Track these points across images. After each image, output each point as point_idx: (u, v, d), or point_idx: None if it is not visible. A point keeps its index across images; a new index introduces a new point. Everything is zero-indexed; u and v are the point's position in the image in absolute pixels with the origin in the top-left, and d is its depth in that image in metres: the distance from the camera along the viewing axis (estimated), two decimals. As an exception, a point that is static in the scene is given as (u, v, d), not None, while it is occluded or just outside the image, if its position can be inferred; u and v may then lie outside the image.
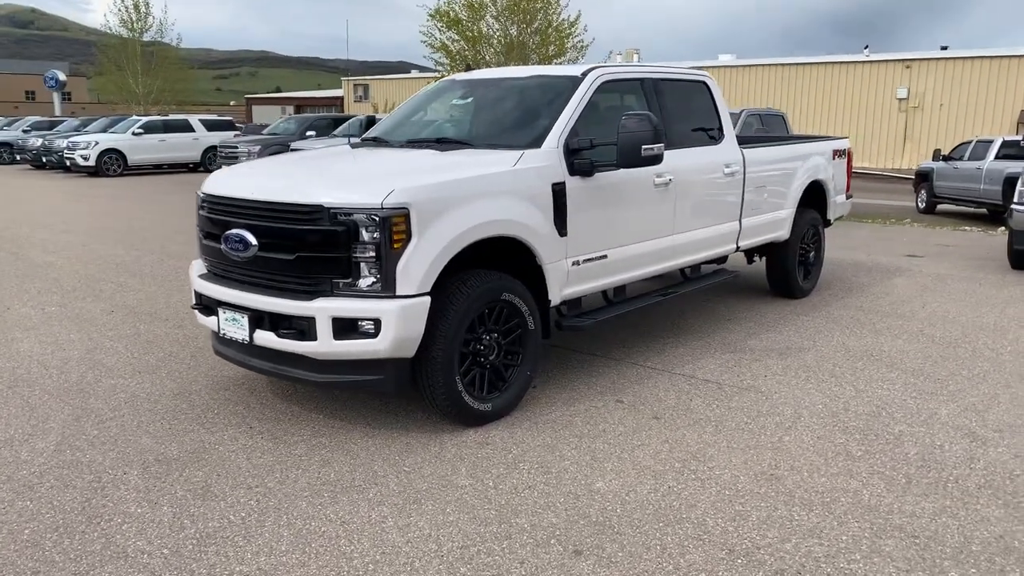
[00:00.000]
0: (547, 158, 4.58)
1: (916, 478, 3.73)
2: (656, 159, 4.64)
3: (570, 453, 4.02)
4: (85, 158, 23.38)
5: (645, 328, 6.35)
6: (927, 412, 4.57)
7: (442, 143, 4.98)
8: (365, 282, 3.88)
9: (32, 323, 6.59)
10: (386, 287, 3.86)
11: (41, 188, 20.04)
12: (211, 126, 25.95)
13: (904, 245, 10.94)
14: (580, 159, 4.67)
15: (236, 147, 19.41)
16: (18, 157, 27.88)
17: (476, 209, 4.13)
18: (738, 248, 6.41)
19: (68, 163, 23.77)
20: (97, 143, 23.70)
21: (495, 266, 4.44)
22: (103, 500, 3.54)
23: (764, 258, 7.36)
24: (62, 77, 49.37)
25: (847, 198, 8.17)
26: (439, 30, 23.18)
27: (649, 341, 6.01)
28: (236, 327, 4.22)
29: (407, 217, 3.85)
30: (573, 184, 4.67)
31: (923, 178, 16.68)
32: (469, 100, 5.62)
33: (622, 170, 4.81)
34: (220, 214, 4.35)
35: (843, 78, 32.88)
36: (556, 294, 4.69)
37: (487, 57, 23.05)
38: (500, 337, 4.39)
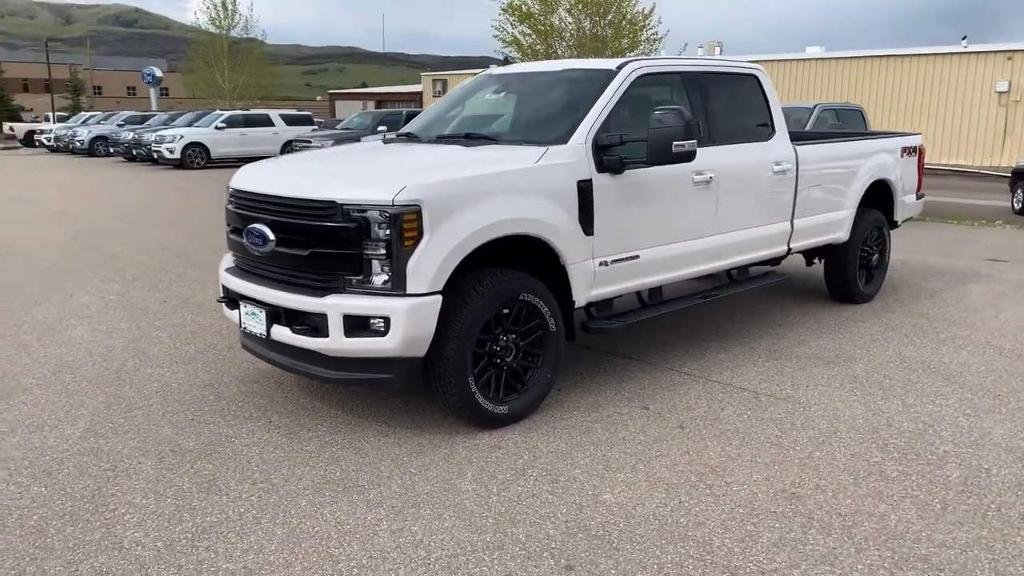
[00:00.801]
0: (573, 154, 4.44)
1: (953, 504, 3.44)
2: (688, 156, 4.44)
3: (583, 461, 3.88)
4: (171, 151, 24.30)
5: (687, 331, 6.12)
6: (979, 432, 4.23)
7: (470, 139, 4.89)
8: (376, 280, 3.82)
9: (90, 311, 6.82)
10: (397, 285, 3.80)
11: (127, 180, 20.94)
12: (290, 121, 26.60)
13: (988, 248, 10.27)
14: (609, 155, 4.51)
15: (310, 141, 19.80)
16: (112, 150, 29.21)
17: (492, 206, 4.03)
18: (790, 250, 6.10)
19: (155, 156, 24.76)
20: (182, 137, 24.61)
21: (516, 265, 4.34)
22: (113, 489, 3.60)
23: (823, 261, 7.00)
24: (158, 73, 51.50)
25: (918, 198, 7.70)
26: (511, 24, 23.17)
27: (690, 345, 5.78)
28: (255, 321, 4.24)
29: (419, 214, 3.78)
30: (601, 181, 4.51)
31: (1020, 177, 15.65)
32: (502, 95, 5.52)
33: (655, 167, 4.62)
34: (244, 208, 4.38)
35: (938, 71, 31.25)
36: (581, 295, 4.55)
37: (559, 51, 22.86)
38: (519, 338, 4.28)
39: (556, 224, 4.29)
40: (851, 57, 34.67)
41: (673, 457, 3.92)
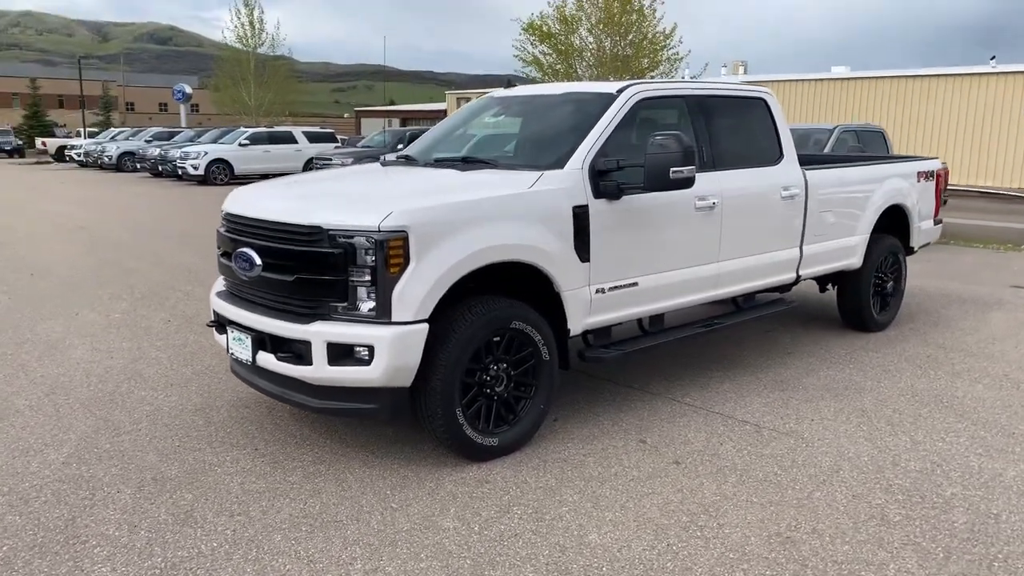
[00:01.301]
0: (569, 179, 4.34)
1: (957, 553, 3.26)
2: (686, 182, 4.31)
3: (571, 498, 3.74)
4: (195, 167, 24.55)
5: (692, 359, 5.97)
6: (990, 473, 4.04)
7: (467, 162, 4.81)
8: (361, 307, 3.74)
9: (93, 330, 6.82)
10: (381, 313, 3.71)
11: (150, 195, 21.16)
12: (313, 138, 26.79)
13: (1014, 275, 9.99)
14: (606, 181, 4.40)
15: (331, 159, 19.90)
16: (139, 165, 29.59)
17: (483, 233, 3.93)
18: (799, 277, 5.94)
19: (180, 172, 25.03)
20: (206, 153, 24.86)
21: (509, 292, 4.24)
22: (87, 519, 3.52)
23: (835, 287, 6.82)
24: (188, 90, 52.28)
25: (936, 224, 7.50)
26: (532, 44, 23.19)
27: (694, 374, 5.63)
28: (242, 347, 4.16)
29: (406, 240, 3.69)
30: (598, 207, 4.40)
31: (1047, 200, 15.29)
32: (502, 118, 5.44)
33: (655, 193, 4.50)
34: (233, 232, 4.32)
35: (966, 91, 30.79)
36: (577, 323, 4.43)
37: (579, 70, 22.84)
38: (510, 368, 4.17)
39: (550, 251, 4.19)
40: (878, 77, 34.33)
41: (666, 495, 3.77)
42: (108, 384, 5.38)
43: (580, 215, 4.32)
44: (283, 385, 4.10)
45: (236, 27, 38.57)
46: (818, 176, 5.90)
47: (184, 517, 3.55)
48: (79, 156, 35.26)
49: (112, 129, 41.16)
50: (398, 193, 4.24)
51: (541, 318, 4.25)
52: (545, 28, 22.93)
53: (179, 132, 33.27)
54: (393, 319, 3.71)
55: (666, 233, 4.81)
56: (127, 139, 34.11)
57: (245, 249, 4.11)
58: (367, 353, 3.72)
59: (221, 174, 24.73)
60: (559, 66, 22.70)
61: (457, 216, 3.88)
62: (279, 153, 25.77)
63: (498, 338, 4.08)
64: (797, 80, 35.64)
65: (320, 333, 3.77)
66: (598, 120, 4.60)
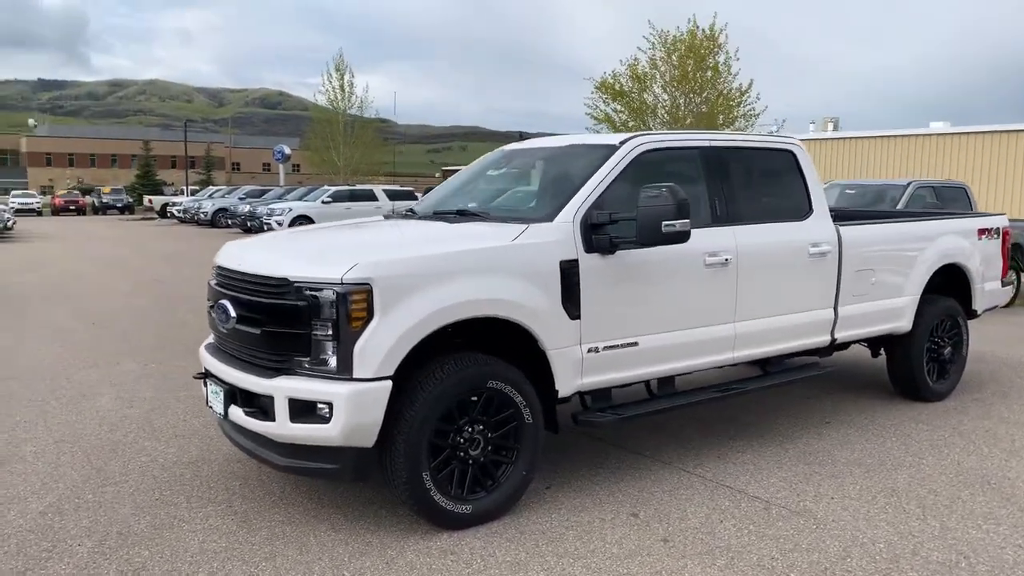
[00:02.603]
0: (557, 233, 4.14)
1: (963, 664, 2.81)
2: (679, 236, 4.04)
3: None
4: (280, 223, 25.42)
5: (716, 428, 5.57)
6: (1026, 568, 3.52)
7: (462, 215, 4.68)
8: (323, 362, 3.61)
9: (126, 379, 6.94)
10: (342, 368, 3.57)
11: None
12: (393, 195, 27.43)
13: (1109, 342, 9.10)
14: (599, 235, 4.19)
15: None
16: (229, 222, 30.96)
17: (456, 287, 3.76)
18: (834, 340, 5.49)
19: (266, 228, 25.97)
20: (291, 210, 25.79)
21: (496, 350, 4.04)
22: (38, 573, 3.46)
23: (886, 352, 6.31)
24: (287, 151, 54.75)
25: (1005, 285, 6.89)
26: (604, 102, 23.24)
27: (714, 443, 5.23)
28: (217, 401, 4.10)
29: (369, 293, 3.56)
30: (591, 263, 4.18)
31: None
32: (503, 170, 5.31)
33: (656, 248, 4.25)
34: (218, 284, 4.30)
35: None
36: (566, 384, 4.17)
37: (653, 127, 22.68)
38: (488, 430, 3.94)
39: (533, 307, 3.98)
40: (979, 132, 32.79)
41: (641, 577, 3.43)
42: (117, 433, 5.42)
43: (569, 270, 4.11)
44: (255, 441, 3.99)
45: (327, 90, 40.35)
46: (855, 232, 5.50)
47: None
48: (179, 212, 37.22)
49: (210, 187, 43.38)
50: (371, 245, 4.14)
51: (523, 378, 4.02)
52: (617, 86, 22.98)
53: (269, 190, 34.72)
54: (354, 375, 3.56)
55: (670, 290, 4.53)
56: (222, 196, 35.86)
57: (223, 301, 4.07)
58: (328, 410, 3.57)
59: (303, 230, 25.49)
60: (632, 123, 22.63)
61: (427, 269, 3.73)
62: (360, 210, 26.37)
63: (474, 398, 3.87)
64: (893, 136, 34.43)
65: (282, 388, 3.65)
66: (595, 172, 4.40)
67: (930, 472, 4.72)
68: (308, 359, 3.65)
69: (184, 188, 50.58)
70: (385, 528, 3.91)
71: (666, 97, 22.94)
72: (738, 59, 22.55)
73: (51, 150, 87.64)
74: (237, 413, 3.91)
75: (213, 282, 4.44)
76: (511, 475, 4.03)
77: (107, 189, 52.53)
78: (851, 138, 35.46)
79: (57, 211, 48.90)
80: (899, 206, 11.25)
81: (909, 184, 11.56)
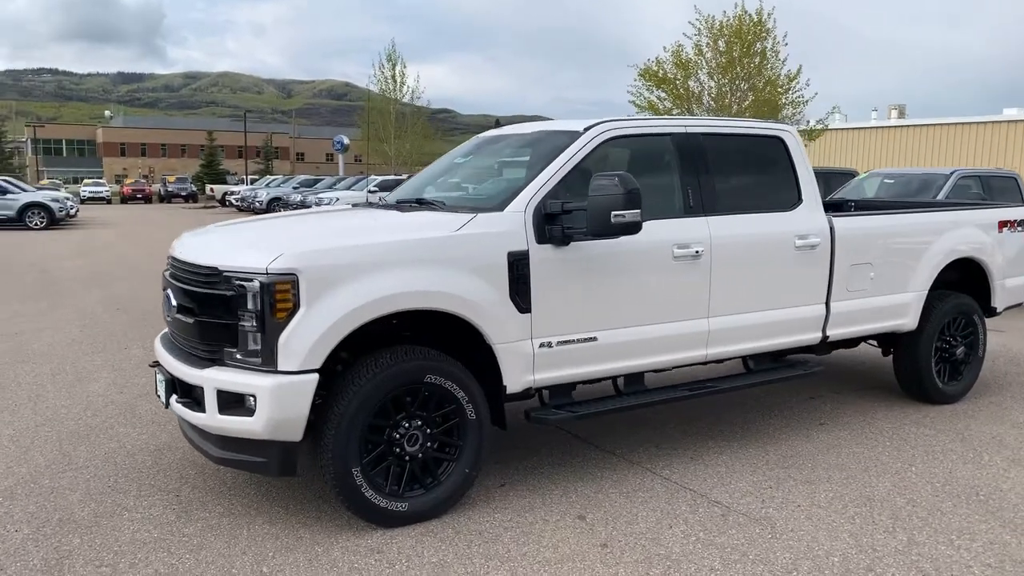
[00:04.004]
0: (506, 223, 3.98)
1: None
2: (630, 228, 3.84)
3: (456, 578, 3.32)
4: (327, 212, 25.77)
5: (701, 428, 5.33)
6: (988, 591, 3.24)
7: (421, 203, 4.56)
8: (249, 353, 3.54)
9: (127, 365, 7.04)
10: (266, 361, 3.49)
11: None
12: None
13: None
14: (553, 226, 4.01)
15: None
16: (282, 210, 31.50)
17: (389, 278, 3.64)
18: (826, 337, 5.19)
19: (314, 216, 26.35)
20: (338, 199, 26.04)
21: (442, 344, 3.93)
22: (-34, 557, 3.49)
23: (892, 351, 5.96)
24: (346, 141, 55.47)
25: (1031, 281, 6.43)
26: (648, 89, 22.73)
27: (692, 444, 5.00)
28: (161, 389, 4.07)
29: (294, 284, 3.47)
30: (543, 254, 4.01)
31: None
32: (471, 158, 5.15)
33: (620, 239, 4.05)
34: (168, 272, 4.27)
35: None
36: (515, 380, 4.02)
37: (697, 115, 22.09)
38: (427, 426, 3.82)
39: (477, 300, 3.83)
40: (1051, 119, 31.10)
41: (566, 584, 3.27)
42: (97, 419, 5.48)
43: (517, 262, 3.94)
44: (196, 431, 3.95)
45: (379, 80, 40.59)
46: (848, 224, 5.18)
47: (54, 564, 3.43)
48: (236, 201, 38.03)
49: (268, 177, 44.22)
50: (306, 235, 4.05)
51: (466, 372, 3.89)
52: (660, 73, 22.46)
53: (322, 180, 35.18)
54: (279, 368, 3.48)
55: (634, 284, 4.32)
56: (277, 186, 36.49)
57: (167, 290, 4.05)
58: (253, 402, 3.50)
59: (350, 219, 25.78)
60: (675, 111, 22.10)
61: (357, 260, 3.62)
62: (405, 199, 26.57)
63: (412, 393, 3.76)
64: (961, 123, 32.90)
65: (211, 379, 3.60)
66: (552, 161, 4.22)
67: (916, 480, 4.42)
68: (235, 350, 3.59)
69: (244, 177, 51.70)
70: (322, 524, 3.83)
71: (712, 84, 22.36)
72: (786, 44, 21.83)
73: (125, 140, 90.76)
74: (175, 403, 3.87)
75: (166, 271, 4.41)
76: (453, 473, 3.90)
77: (172, 178, 54.11)
78: (915, 126, 34.10)
79: (125, 199, 50.59)
80: (939, 197, 10.67)
81: (952, 173, 10.95)
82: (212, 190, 48.35)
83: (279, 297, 3.46)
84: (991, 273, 6.00)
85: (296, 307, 3.48)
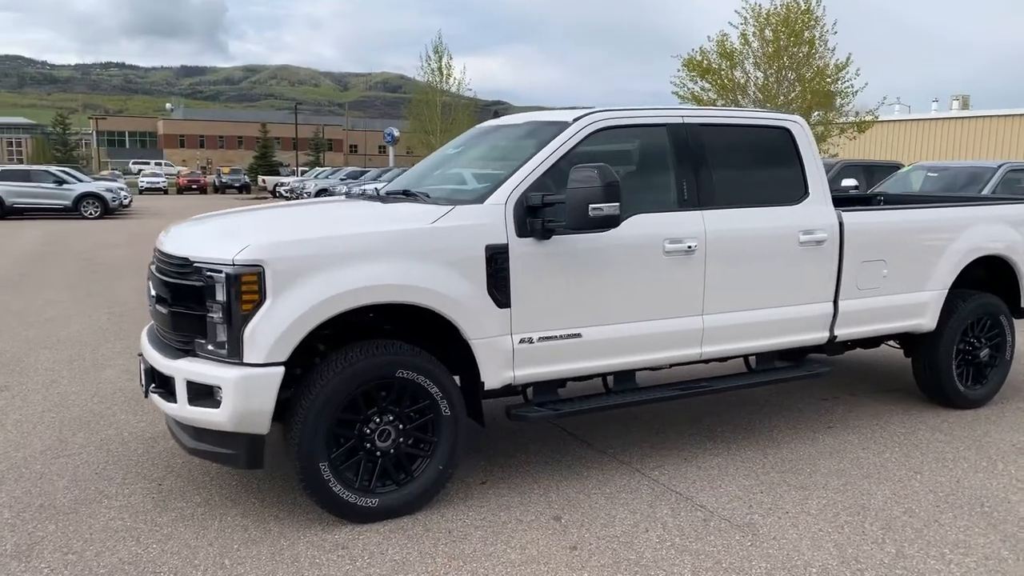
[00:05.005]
0: (485, 216, 3.89)
1: None
2: (608, 221, 3.71)
3: (415, 577, 3.26)
4: (370, 204, 25.98)
5: (700, 429, 5.17)
6: (972, 611, 3.04)
7: (407, 195, 4.50)
8: (216, 345, 3.52)
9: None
10: (233, 352, 3.47)
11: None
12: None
13: None
14: (534, 219, 3.91)
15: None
16: (327, 201, 31.90)
17: (359, 270, 3.59)
18: (834, 336, 4.97)
19: (357, 208, 26.59)
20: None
21: (422, 338, 3.87)
22: (-57, 541, 3.55)
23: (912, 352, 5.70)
24: (396, 133, 55.98)
25: (1069, 280, 6.07)
26: (692, 80, 22.29)
27: (688, 444, 4.85)
28: (142, 379, 4.09)
29: (260, 275, 3.44)
30: (523, 248, 3.91)
31: None
32: (461, 149, 5.06)
33: (605, 232, 3.93)
34: (153, 264, 4.29)
35: None
36: (493, 376, 3.93)
37: (743, 106, 21.59)
38: (399, 421, 3.76)
39: (451, 294, 3.75)
40: None
41: (525, 588, 3.18)
42: (102, 405, 5.57)
43: (496, 255, 3.85)
44: (174, 422, 3.96)
45: (426, 72, 40.65)
46: (860, 219, 4.95)
47: (25, 550, 3.48)
48: (286, 192, 38.65)
49: (317, 168, 44.82)
50: (277, 227, 4.01)
51: (442, 368, 3.82)
52: (705, 63, 21.99)
53: (368, 172, 35.49)
54: (244, 359, 3.46)
55: (621, 279, 4.18)
56: (326, 177, 36.94)
57: (150, 280, 4.06)
58: (221, 394, 3.49)
59: (392, 210, 25.94)
60: (720, 102, 21.63)
61: (326, 251, 3.57)
62: (448, 191, 26.62)
63: (384, 388, 3.71)
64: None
65: (181, 370, 3.60)
66: (537, 152, 4.11)
67: (918, 489, 4.20)
68: (207, 341, 3.58)
69: (295, 169, 52.50)
70: (294, 518, 3.81)
71: (759, 75, 21.80)
72: (835, 32, 21.14)
73: (184, 132, 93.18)
74: (152, 393, 3.89)
75: (150, 264, 4.44)
76: (427, 469, 3.84)
77: (227, 169, 55.20)
78: (972, 117, 32.82)
79: (181, 190, 51.81)
80: (986, 191, 10.22)
81: (1000, 166, 10.47)
82: (263, 181, 49.21)
83: (245, 288, 3.43)
84: (1020, 272, 5.69)
85: (262, 299, 3.45)
